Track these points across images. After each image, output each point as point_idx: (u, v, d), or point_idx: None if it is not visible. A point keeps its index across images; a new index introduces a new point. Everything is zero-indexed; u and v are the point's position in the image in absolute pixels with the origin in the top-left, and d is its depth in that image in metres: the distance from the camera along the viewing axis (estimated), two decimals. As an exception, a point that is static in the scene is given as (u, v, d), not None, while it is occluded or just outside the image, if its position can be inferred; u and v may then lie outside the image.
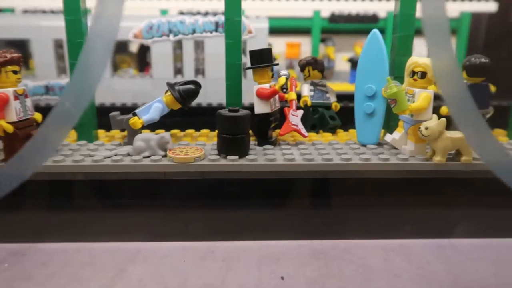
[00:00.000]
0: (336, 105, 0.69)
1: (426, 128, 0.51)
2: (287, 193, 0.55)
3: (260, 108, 0.58)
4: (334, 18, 1.27)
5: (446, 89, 0.30)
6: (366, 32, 1.45)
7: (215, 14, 1.01)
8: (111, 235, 0.54)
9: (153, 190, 0.55)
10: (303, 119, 0.67)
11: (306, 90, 0.67)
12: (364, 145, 0.60)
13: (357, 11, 1.27)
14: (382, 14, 1.27)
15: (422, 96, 0.54)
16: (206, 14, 1.20)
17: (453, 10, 1.28)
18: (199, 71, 1.01)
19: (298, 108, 0.62)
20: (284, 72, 0.59)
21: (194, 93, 0.60)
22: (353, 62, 1.26)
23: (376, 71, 0.58)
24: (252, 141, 0.61)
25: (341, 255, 0.51)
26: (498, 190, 0.55)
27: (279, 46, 1.37)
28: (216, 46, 0.96)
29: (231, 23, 0.59)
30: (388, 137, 0.59)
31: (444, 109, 0.63)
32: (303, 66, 0.69)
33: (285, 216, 0.55)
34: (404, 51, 0.60)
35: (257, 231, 0.54)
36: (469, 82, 0.62)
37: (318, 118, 0.67)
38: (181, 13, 1.24)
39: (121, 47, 1.11)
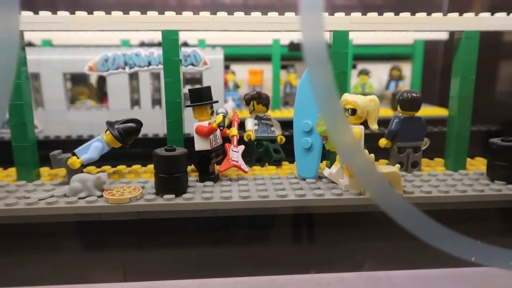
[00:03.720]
0: (281, 138, 0.70)
1: (357, 164, 0.53)
2: (225, 229, 0.55)
3: (200, 145, 0.59)
4: (293, 46, 1.31)
5: (329, 123, 0.31)
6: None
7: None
8: (47, 279, 0.53)
9: (90, 231, 0.54)
10: (248, 153, 0.68)
11: (250, 124, 0.69)
12: (303, 179, 0.61)
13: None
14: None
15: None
16: (142, 45, 1.21)
17: (407, 38, 1.34)
18: (156, 102, 1.02)
19: (241, 143, 0.64)
20: (221, 110, 0.61)
21: (135, 131, 0.61)
22: (313, 89, 1.29)
23: (312, 107, 0.59)
24: (195, 177, 0.62)
25: (277, 292, 0.52)
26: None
27: (242, 73, 1.39)
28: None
29: (170, 62, 0.60)
30: (326, 171, 0.60)
31: (382, 141, 0.66)
32: (248, 100, 0.70)
33: (222, 253, 0.55)
34: (339, 88, 0.62)
35: (194, 269, 0.54)
36: (403, 115, 0.64)
37: (263, 152, 0.69)
38: (143, 43, 1.25)
39: (80, 78, 1.11)
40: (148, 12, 0.59)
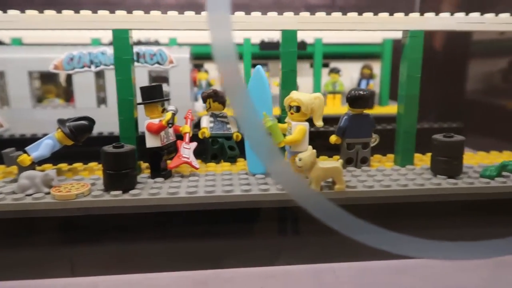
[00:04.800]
0: (237, 135, 0.71)
1: (300, 159, 0.54)
2: (171, 224, 0.56)
3: (151, 142, 0.60)
4: (264, 45, 1.32)
5: (241, 118, 0.33)
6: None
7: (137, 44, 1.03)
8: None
9: (39, 227, 0.55)
10: (204, 150, 0.70)
11: (205, 122, 0.70)
12: (254, 175, 0.62)
13: (286, 39, 1.32)
14: (310, 40, 1.33)
15: (297, 129, 0.57)
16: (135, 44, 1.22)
17: (377, 37, 1.36)
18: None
19: (196, 140, 0.65)
20: (171, 107, 0.62)
21: (87, 128, 0.61)
22: (284, 87, 1.31)
23: (261, 104, 0.61)
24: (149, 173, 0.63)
25: (222, 285, 0.53)
26: (370, 214, 0.59)
27: (216, 72, 1.40)
28: (138, 76, 0.98)
29: (121, 61, 0.61)
30: (275, 167, 0.61)
31: (332, 138, 0.67)
32: (204, 98, 0.71)
33: (169, 247, 0.56)
34: (288, 85, 0.64)
35: (141, 264, 0.55)
36: (352, 112, 0.66)
37: (218, 149, 0.70)
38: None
39: (49, 77, 1.11)
40: (98, 11, 0.60)
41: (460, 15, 0.65)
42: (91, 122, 0.62)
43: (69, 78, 1.14)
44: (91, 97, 0.99)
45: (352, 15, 0.63)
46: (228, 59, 0.32)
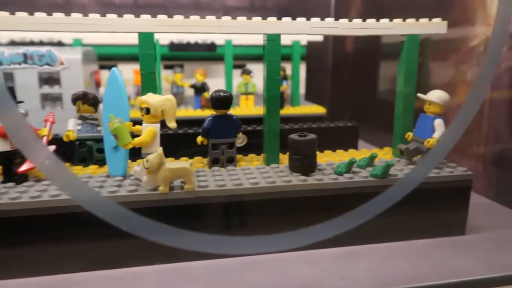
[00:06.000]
0: (110, 138, 0.71)
1: (147, 161, 0.55)
2: (15, 230, 0.55)
3: (0, 146, 0.59)
4: (173, 47, 1.32)
5: (5, 122, 0.33)
6: (206, 59, 1.50)
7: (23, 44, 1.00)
8: None
9: None
10: (71, 153, 0.69)
11: (70, 124, 0.69)
12: (113, 177, 0.62)
13: (195, 40, 1.33)
14: (220, 42, 1.34)
15: (146, 131, 0.58)
16: (11, 44, 1.18)
17: (287, 39, 1.40)
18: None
19: (52, 143, 0.64)
20: (20, 110, 0.60)
21: None
22: (196, 88, 1.32)
23: (117, 106, 0.61)
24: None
25: (65, 289, 0.53)
26: (224, 211, 0.61)
27: (127, 73, 1.38)
28: (26, 78, 0.95)
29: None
30: (133, 169, 0.62)
31: (198, 139, 0.68)
32: (74, 100, 0.70)
33: (14, 254, 0.55)
34: (148, 87, 0.64)
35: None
36: (216, 113, 0.68)
37: (86, 152, 0.69)
38: (13, 42, 1.20)
39: None
40: None
41: (330, 19, 0.68)
42: None
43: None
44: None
45: (211, 18, 0.65)
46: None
